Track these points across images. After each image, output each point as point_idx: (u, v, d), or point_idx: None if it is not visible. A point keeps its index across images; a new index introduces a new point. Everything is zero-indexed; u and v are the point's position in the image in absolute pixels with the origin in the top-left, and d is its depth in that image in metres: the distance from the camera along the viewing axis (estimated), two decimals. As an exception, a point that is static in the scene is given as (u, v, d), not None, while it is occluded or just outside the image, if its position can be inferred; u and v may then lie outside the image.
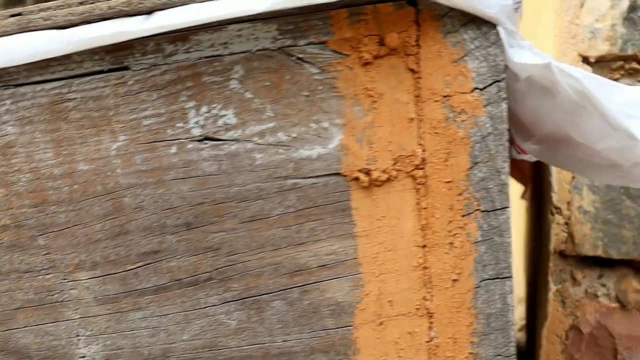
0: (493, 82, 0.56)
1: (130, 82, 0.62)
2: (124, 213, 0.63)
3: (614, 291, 0.93)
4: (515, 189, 1.52)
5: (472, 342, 0.59)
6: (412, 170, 0.57)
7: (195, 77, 0.60)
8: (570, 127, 0.61)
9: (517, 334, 1.53)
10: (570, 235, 0.94)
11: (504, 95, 0.56)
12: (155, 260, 0.63)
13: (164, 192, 0.62)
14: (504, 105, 0.56)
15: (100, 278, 0.65)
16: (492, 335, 0.58)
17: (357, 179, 0.58)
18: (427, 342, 0.59)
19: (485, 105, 0.56)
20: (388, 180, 0.58)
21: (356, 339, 0.60)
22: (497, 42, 0.56)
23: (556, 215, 0.97)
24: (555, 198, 0.99)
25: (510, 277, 0.58)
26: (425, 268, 0.58)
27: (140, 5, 0.60)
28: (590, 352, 0.94)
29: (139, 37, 0.60)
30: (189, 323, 0.63)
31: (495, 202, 0.57)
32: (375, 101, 0.57)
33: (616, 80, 0.86)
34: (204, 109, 0.60)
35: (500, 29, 0.56)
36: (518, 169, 1.32)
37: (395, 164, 0.57)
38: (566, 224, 0.95)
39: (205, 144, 0.61)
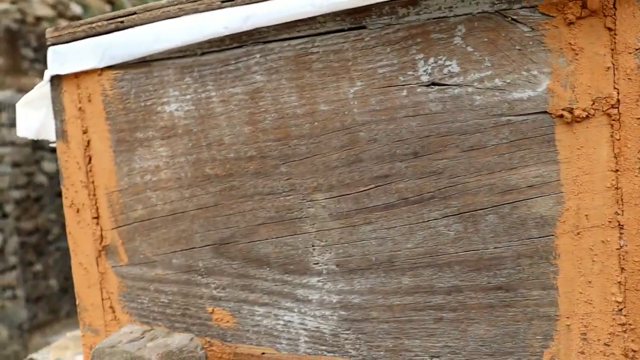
0: None
1: (367, 39, 0.76)
2: (359, 145, 0.78)
3: None
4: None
5: None
6: (608, 109, 0.71)
7: (424, 35, 0.75)
8: None
9: None
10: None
11: None
12: (385, 182, 0.77)
13: (395, 127, 0.76)
14: None
15: (336, 198, 0.80)
16: None
17: (561, 116, 0.72)
18: (617, 249, 0.72)
19: None
20: (587, 117, 0.71)
21: (557, 246, 0.74)
22: (680, 6, 0.70)
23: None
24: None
25: None
26: (617, 188, 0.72)
27: (381, -24, 0.74)
28: None
29: (377, 2, 0.74)
30: (413, 234, 0.77)
31: None
32: (577, 54, 0.71)
33: None
34: (431, 60, 0.75)
35: None
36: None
37: (593, 104, 0.71)
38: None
39: (432, 88, 0.75)
